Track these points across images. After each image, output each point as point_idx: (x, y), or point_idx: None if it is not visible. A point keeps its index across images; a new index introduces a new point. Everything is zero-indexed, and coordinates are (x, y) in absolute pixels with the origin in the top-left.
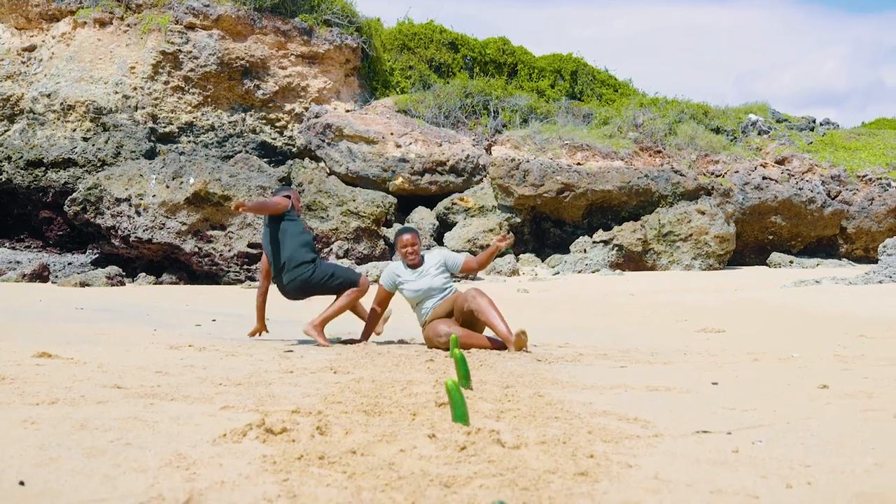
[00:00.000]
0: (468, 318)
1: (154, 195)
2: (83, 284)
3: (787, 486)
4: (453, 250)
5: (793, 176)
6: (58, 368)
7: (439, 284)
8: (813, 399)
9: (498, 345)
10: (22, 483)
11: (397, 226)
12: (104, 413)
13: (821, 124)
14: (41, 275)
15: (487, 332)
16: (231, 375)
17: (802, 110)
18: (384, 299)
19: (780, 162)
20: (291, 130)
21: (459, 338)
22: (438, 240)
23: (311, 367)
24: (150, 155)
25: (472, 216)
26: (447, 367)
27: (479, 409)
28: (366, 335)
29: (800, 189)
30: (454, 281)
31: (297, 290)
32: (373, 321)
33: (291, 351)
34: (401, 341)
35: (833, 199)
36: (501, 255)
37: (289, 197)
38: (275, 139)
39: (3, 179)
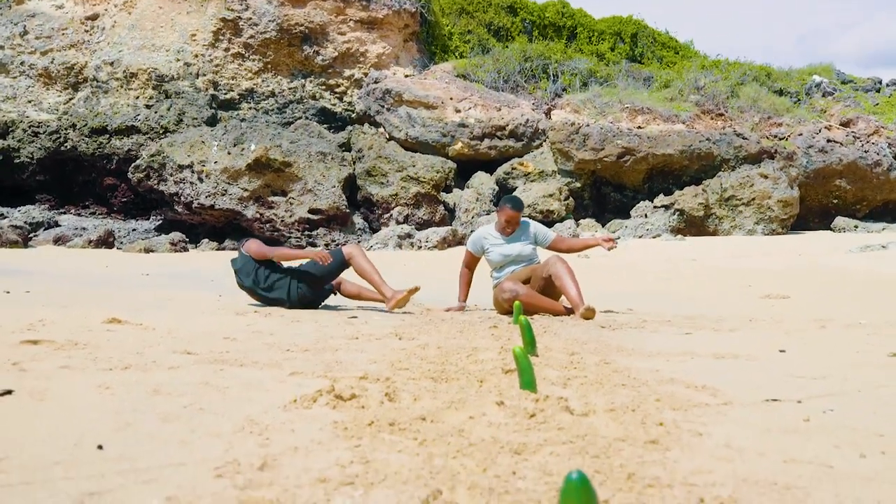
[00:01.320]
0: (546, 284)
1: (216, 161)
2: (147, 250)
3: (860, 455)
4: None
5: (858, 138)
6: (128, 334)
7: (528, 253)
8: (883, 367)
9: (568, 310)
10: (100, 447)
11: (457, 191)
12: (176, 378)
13: (887, 85)
14: (106, 241)
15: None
16: (298, 341)
17: (868, 71)
18: (471, 262)
19: (845, 124)
20: (351, 96)
21: (523, 297)
22: (498, 205)
23: (376, 333)
24: (212, 122)
25: (531, 181)
26: (511, 334)
27: (546, 376)
28: (461, 298)
29: (865, 152)
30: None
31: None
32: (464, 282)
33: (356, 317)
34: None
35: None
36: (561, 220)
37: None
38: (334, 105)
39: (69, 147)
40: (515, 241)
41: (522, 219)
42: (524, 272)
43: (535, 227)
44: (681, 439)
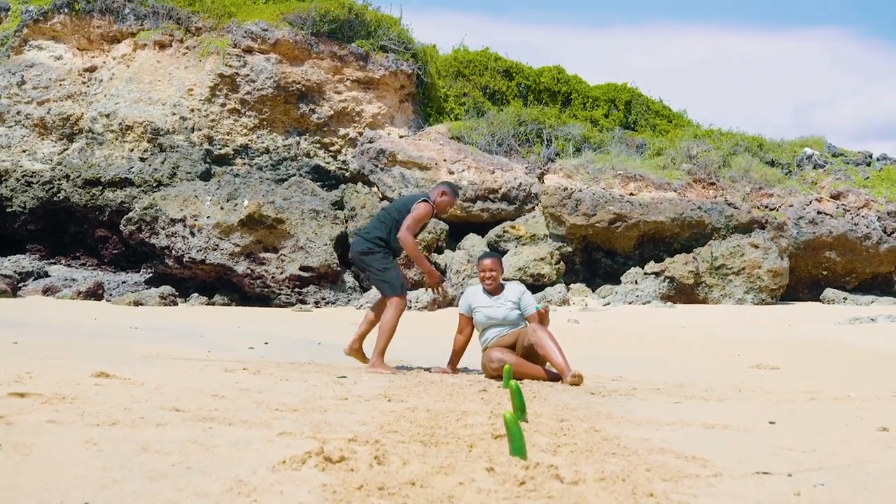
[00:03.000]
0: (530, 351)
1: (208, 216)
2: (137, 303)
3: None
4: (503, 279)
5: (848, 211)
6: (116, 389)
7: (513, 318)
8: (872, 442)
9: (552, 376)
10: None
11: (448, 252)
12: (164, 436)
13: (878, 159)
14: (96, 293)
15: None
16: (286, 401)
17: (862, 143)
18: (464, 325)
19: (836, 197)
20: (345, 155)
21: (512, 366)
22: None
23: (366, 395)
24: (206, 176)
25: (523, 244)
26: (501, 398)
27: (536, 442)
28: (453, 364)
29: (855, 224)
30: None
31: (355, 254)
32: (458, 349)
33: (345, 377)
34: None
35: (889, 235)
36: (552, 284)
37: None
38: (328, 163)
39: (61, 198)
40: (501, 306)
41: (514, 282)
42: (510, 337)
43: (522, 294)
44: None
